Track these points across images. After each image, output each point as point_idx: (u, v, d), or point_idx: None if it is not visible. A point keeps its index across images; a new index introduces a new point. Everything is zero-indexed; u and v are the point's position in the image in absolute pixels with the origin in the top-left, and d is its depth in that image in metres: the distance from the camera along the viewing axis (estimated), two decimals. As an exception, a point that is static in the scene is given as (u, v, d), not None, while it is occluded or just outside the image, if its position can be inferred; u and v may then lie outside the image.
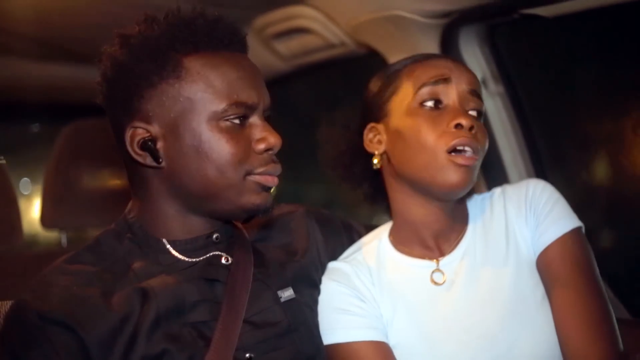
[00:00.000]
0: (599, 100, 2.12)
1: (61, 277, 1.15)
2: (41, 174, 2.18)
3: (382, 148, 1.37)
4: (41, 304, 1.10)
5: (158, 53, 1.15)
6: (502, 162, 1.94)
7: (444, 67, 1.33)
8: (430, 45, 1.91)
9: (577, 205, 1.35)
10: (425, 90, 1.31)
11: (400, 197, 1.37)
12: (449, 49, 1.93)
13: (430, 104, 1.30)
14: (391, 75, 1.38)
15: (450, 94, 1.30)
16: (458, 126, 1.26)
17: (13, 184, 1.93)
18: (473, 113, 1.31)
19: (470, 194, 1.41)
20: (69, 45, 2.28)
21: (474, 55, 1.95)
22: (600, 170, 2.12)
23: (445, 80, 1.30)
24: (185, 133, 1.16)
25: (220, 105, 1.16)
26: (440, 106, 1.30)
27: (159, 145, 1.17)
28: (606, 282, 1.77)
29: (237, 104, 1.17)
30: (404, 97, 1.33)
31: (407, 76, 1.34)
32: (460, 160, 1.25)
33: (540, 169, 1.94)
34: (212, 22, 1.20)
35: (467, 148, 1.26)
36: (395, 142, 1.34)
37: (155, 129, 1.17)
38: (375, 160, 1.39)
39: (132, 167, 1.23)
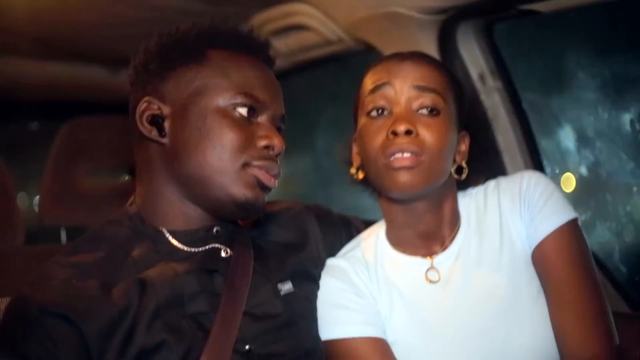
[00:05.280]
0: (597, 95, 2.13)
1: (60, 270, 1.16)
2: (40, 172, 2.18)
3: (359, 160, 1.38)
4: (41, 296, 1.11)
5: (186, 42, 1.23)
6: (500, 157, 1.93)
7: (383, 71, 1.31)
8: (428, 41, 1.91)
9: (576, 198, 1.35)
10: (368, 100, 1.31)
11: (382, 201, 1.38)
12: (446, 45, 1.92)
13: (374, 113, 1.30)
14: (359, 84, 1.38)
15: (392, 98, 1.29)
16: (394, 133, 1.25)
17: (12, 182, 1.94)
18: (423, 111, 1.28)
19: (464, 188, 1.41)
20: (68, 44, 2.29)
21: (472, 51, 1.94)
22: (599, 164, 2.13)
23: (384, 84, 1.29)
24: (193, 114, 1.20)
25: (230, 93, 1.20)
26: (384, 113, 1.29)
27: (166, 123, 1.22)
28: (606, 276, 1.78)
29: (247, 94, 1.21)
30: (360, 108, 1.35)
31: (361, 86, 1.36)
32: (396, 163, 1.25)
33: (538, 164, 1.94)
34: (243, 30, 1.28)
35: (405, 154, 1.24)
36: (360, 152, 1.35)
37: (166, 109, 1.22)
38: (354, 170, 1.39)
39: (139, 147, 1.26)
